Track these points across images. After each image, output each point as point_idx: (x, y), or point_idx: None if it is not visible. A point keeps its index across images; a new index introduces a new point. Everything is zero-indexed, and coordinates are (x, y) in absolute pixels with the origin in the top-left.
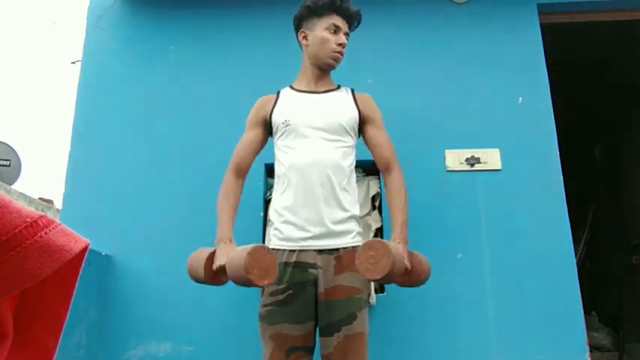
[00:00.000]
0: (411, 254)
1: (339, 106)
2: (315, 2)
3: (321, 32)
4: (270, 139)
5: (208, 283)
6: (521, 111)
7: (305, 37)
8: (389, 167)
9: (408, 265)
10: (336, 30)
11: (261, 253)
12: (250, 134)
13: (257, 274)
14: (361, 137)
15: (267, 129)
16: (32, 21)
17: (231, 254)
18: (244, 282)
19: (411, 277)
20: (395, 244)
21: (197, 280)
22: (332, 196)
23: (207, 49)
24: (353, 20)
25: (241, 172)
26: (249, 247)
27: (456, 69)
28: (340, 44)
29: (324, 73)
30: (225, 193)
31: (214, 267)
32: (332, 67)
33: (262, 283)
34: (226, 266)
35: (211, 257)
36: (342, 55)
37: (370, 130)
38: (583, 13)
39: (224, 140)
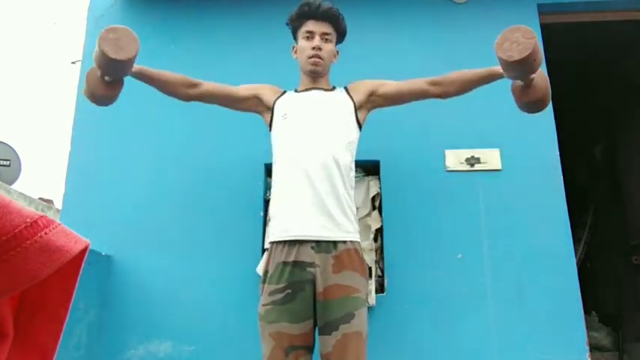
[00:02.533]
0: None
1: (336, 103)
2: (290, 17)
3: (300, 42)
4: (269, 134)
5: (107, 95)
6: (521, 111)
7: (295, 51)
8: (429, 80)
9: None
10: (309, 36)
11: (114, 28)
12: (240, 89)
13: (111, 48)
14: (361, 142)
15: (258, 106)
16: (32, 21)
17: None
18: (103, 60)
19: (532, 91)
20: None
21: (93, 93)
22: (330, 190)
23: (208, 48)
24: (328, 18)
25: (195, 85)
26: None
27: (456, 68)
28: (313, 47)
29: (316, 79)
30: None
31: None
32: (315, 72)
33: (117, 56)
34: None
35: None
36: (319, 57)
37: (382, 88)
38: (583, 13)
39: (224, 140)
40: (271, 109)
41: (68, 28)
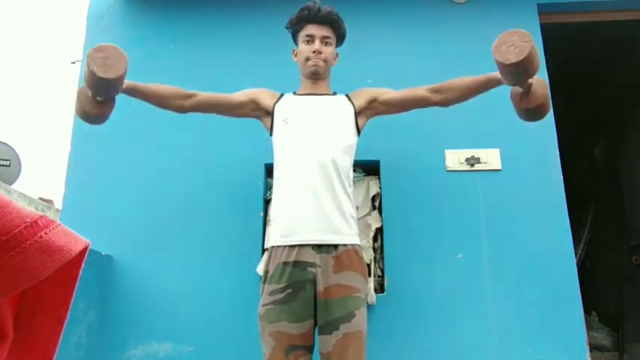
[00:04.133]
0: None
1: (337, 107)
2: (290, 20)
3: (300, 46)
4: (270, 137)
5: (99, 114)
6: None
7: (295, 55)
8: (427, 90)
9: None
10: (310, 39)
11: (102, 47)
12: (236, 95)
13: (100, 68)
14: (359, 143)
15: (255, 110)
16: (32, 21)
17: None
18: (93, 80)
19: (531, 98)
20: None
21: (84, 111)
22: (330, 193)
23: (208, 49)
24: (328, 22)
25: (190, 96)
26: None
27: (456, 69)
28: (314, 51)
29: (317, 82)
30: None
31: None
32: (315, 75)
33: (106, 75)
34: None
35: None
36: (319, 59)
37: (384, 96)
38: (583, 13)
39: (225, 140)
40: (271, 114)
41: (68, 28)
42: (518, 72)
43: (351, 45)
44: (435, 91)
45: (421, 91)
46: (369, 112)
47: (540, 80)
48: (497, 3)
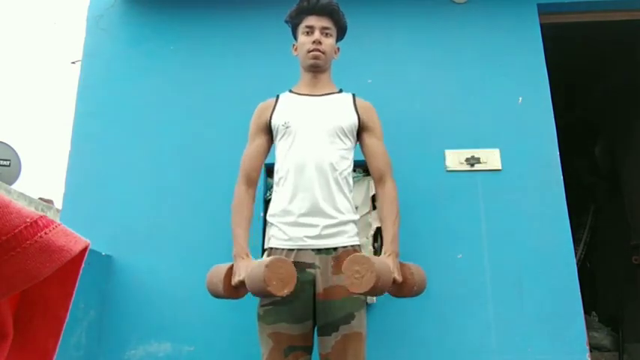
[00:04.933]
0: (403, 266)
1: (339, 110)
2: (289, 14)
3: (300, 38)
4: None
5: (227, 298)
6: (521, 111)
7: (295, 49)
8: (382, 178)
9: (399, 278)
10: (309, 31)
11: (279, 264)
12: (255, 143)
13: (275, 285)
14: (358, 144)
15: (270, 134)
16: (32, 21)
17: (249, 268)
18: (264, 294)
19: (403, 288)
20: (385, 257)
21: (216, 294)
22: (329, 197)
23: (207, 49)
24: (327, 13)
25: (251, 182)
26: (267, 259)
27: (456, 69)
28: (313, 42)
29: (317, 75)
30: (238, 206)
31: (233, 282)
32: (316, 67)
33: (282, 293)
34: (245, 280)
35: (230, 272)
36: (319, 51)
37: (369, 140)
38: (583, 13)
39: (225, 139)
40: (269, 125)
41: (68, 28)
42: (376, 293)
43: (351, 44)
44: (379, 186)
45: (377, 172)
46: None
47: (408, 267)
48: (498, 3)
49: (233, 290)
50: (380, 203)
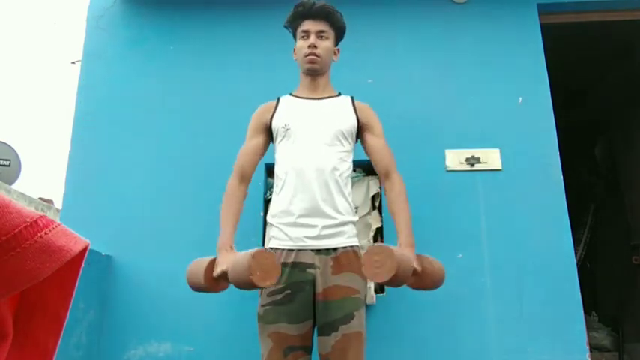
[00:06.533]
0: (420, 257)
1: (338, 113)
2: (287, 19)
3: (297, 42)
4: (271, 144)
5: (208, 290)
6: (521, 111)
7: (294, 53)
8: (389, 173)
9: (418, 267)
10: (305, 35)
11: (263, 255)
12: (252, 141)
13: (259, 275)
14: (359, 144)
15: (268, 135)
16: (32, 21)
17: (233, 259)
18: (246, 285)
19: (423, 279)
20: (401, 248)
21: (197, 287)
22: (328, 199)
23: (207, 49)
24: (322, 16)
25: (245, 178)
26: (253, 250)
27: (456, 69)
28: (309, 46)
29: (316, 79)
30: (228, 200)
31: (215, 273)
32: (313, 70)
33: (264, 284)
34: (228, 271)
35: (212, 264)
36: (315, 55)
37: (370, 139)
38: (583, 13)
39: (224, 140)
40: (269, 127)
41: (68, 28)
42: (398, 283)
43: (351, 44)
44: (386, 181)
45: (383, 168)
46: (359, 133)
47: (426, 258)
48: (497, 3)
49: (214, 281)
50: (389, 198)
